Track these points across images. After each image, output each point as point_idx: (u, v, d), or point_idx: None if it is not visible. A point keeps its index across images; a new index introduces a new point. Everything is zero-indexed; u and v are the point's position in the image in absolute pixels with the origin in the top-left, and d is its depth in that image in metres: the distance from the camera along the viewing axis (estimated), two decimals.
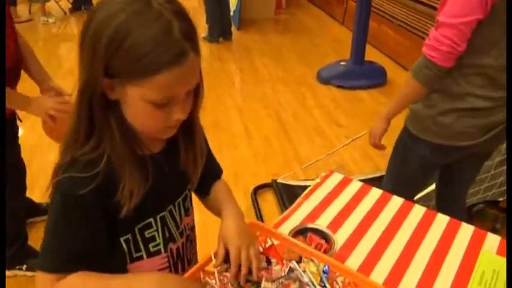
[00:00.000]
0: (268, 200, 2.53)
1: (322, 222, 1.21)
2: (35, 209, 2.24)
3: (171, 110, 0.79)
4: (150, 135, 0.86)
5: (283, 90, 4.05)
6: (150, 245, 0.92)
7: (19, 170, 1.93)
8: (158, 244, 0.93)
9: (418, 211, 1.30)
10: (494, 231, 2.14)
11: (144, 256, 0.91)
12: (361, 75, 4.10)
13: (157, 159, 0.88)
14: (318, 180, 1.44)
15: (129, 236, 0.88)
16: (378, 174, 2.66)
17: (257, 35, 5.62)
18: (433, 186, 2.18)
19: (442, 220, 1.27)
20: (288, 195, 2.39)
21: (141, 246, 0.90)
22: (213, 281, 0.93)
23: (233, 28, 5.56)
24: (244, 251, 0.92)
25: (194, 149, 0.95)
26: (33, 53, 1.77)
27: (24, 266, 1.93)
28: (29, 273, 1.93)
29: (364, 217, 1.27)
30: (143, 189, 0.82)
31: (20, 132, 1.90)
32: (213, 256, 0.95)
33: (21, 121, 1.83)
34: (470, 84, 1.40)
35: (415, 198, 2.06)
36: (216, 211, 1.06)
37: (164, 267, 0.96)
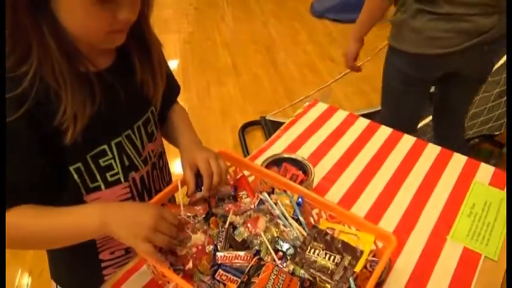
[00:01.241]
0: (257, 138, 2.43)
1: (303, 154, 1.11)
2: None
3: (117, 8, 0.65)
4: (93, 45, 0.72)
5: (275, 25, 3.83)
6: (108, 174, 0.81)
7: None
8: (117, 173, 0.82)
9: (407, 141, 1.20)
10: None
11: (102, 186, 0.81)
12: (356, 7, 3.84)
13: (105, 77, 0.75)
14: (300, 110, 1.32)
15: (79, 164, 0.77)
16: (371, 110, 2.54)
17: None
18: (427, 120, 2.07)
19: (433, 150, 1.17)
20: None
21: (97, 175, 0.80)
22: (179, 216, 0.84)
23: None
24: (213, 160, 0.84)
25: (152, 65, 0.82)
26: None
27: None
28: None
29: (348, 148, 1.17)
30: (90, 111, 0.71)
31: None
32: (179, 184, 0.86)
33: None
34: None
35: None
36: (173, 140, 0.96)
37: (127, 197, 0.86)
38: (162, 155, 0.97)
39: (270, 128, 2.37)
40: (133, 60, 0.80)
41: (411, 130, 1.57)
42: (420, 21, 1.36)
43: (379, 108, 2.37)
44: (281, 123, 2.39)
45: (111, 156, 0.80)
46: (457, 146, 1.67)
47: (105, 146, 0.79)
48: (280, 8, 4.17)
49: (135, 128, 0.85)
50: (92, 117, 0.71)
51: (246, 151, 2.25)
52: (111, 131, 0.80)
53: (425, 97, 1.64)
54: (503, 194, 1.04)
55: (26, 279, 1.73)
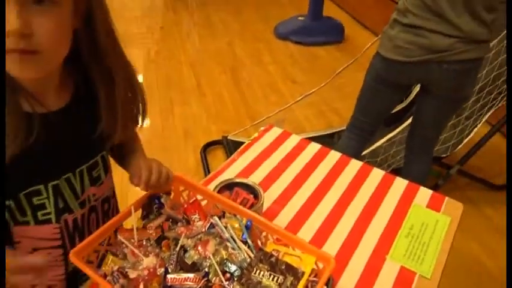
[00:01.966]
0: (218, 157, 2.48)
1: (255, 178, 1.17)
2: None
3: None
4: (41, 83, 0.69)
5: (240, 45, 3.92)
6: (39, 213, 0.79)
7: None
8: (49, 213, 0.80)
9: (354, 166, 1.28)
10: (437, 187, 2.19)
11: (31, 223, 0.79)
12: (318, 31, 4.01)
13: (51, 119, 0.72)
14: (256, 134, 1.39)
15: (10, 202, 0.74)
16: (330, 131, 2.65)
17: None
18: (381, 141, 2.19)
19: (377, 174, 1.25)
20: None
21: (28, 212, 0.77)
22: (132, 240, 0.87)
23: None
24: (156, 164, 0.89)
25: (115, 106, 0.78)
26: None
27: None
28: None
29: (299, 172, 1.23)
30: (18, 150, 0.66)
31: None
32: (132, 209, 0.90)
33: None
34: (409, 1, 1.52)
35: (363, 153, 2.06)
36: (125, 165, 0.98)
37: (55, 238, 0.84)
38: (109, 199, 0.95)
39: (232, 147, 2.42)
40: (97, 96, 0.77)
41: (376, 124, 1.88)
42: (394, 31, 1.60)
43: (338, 129, 2.49)
44: (242, 143, 2.47)
45: (45, 196, 0.78)
46: (418, 159, 1.81)
47: (41, 187, 0.77)
48: (245, 28, 4.27)
49: (77, 172, 0.82)
50: (27, 156, 0.68)
51: (207, 171, 2.29)
52: (50, 173, 0.78)
53: (392, 99, 1.82)
54: (438, 216, 1.13)
55: None
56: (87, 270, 0.80)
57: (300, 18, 4.15)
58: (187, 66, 3.50)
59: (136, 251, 0.85)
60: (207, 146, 2.51)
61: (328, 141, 2.31)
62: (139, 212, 0.93)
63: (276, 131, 1.40)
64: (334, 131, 2.63)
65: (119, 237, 0.87)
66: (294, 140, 1.36)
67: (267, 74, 3.47)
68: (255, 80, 3.36)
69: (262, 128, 1.41)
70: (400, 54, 1.59)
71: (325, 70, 3.39)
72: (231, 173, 1.22)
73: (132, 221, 0.90)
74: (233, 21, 4.41)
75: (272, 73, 3.48)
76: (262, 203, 1.01)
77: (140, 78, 3.26)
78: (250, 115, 2.90)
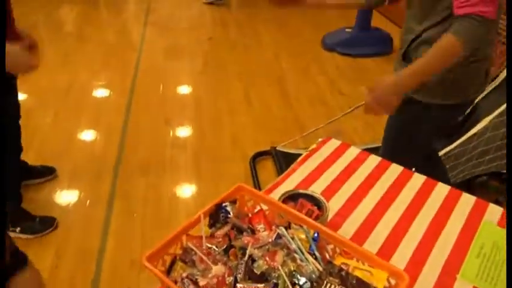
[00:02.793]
0: (267, 168, 2.48)
1: (316, 189, 1.16)
2: (29, 172, 2.20)
3: None
4: None
5: (286, 57, 3.94)
6: None
7: (15, 132, 1.89)
8: None
9: (417, 180, 1.24)
10: (497, 203, 2.08)
11: None
12: (366, 42, 3.96)
13: None
14: (314, 146, 1.38)
15: None
16: (378, 144, 2.59)
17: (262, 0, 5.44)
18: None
19: (442, 189, 1.21)
20: (287, 163, 2.32)
21: None
22: (197, 246, 0.88)
23: None
24: None
25: None
26: None
27: (18, 229, 1.91)
28: (22, 236, 1.91)
29: (360, 184, 1.21)
30: None
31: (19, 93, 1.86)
32: (202, 216, 0.91)
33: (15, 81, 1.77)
34: None
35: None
36: None
37: None
38: None
39: (281, 158, 2.42)
40: None
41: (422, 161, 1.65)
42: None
43: None
44: (291, 154, 2.48)
45: None
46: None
47: None
48: (292, 40, 4.29)
49: None
50: None
51: (256, 181, 2.29)
52: None
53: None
54: None
55: None
56: (160, 275, 0.81)
57: (347, 29, 4.12)
58: (234, 77, 3.54)
59: (205, 258, 0.86)
60: (256, 157, 2.52)
61: (378, 154, 2.26)
62: (207, 219, 0.94)
63: (334, 143, 1.39)
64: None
65: (189, 244, 0.88)
66: (353, 152, 1.34)
67: (314, 85, 3.46)
68: (302, 91, 3.35)
69: (320, 139, 1.40)
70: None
71: (373, 82, 3.33)
72: (290, 183, 1.21)
73: (200, 229, 0.91)
74: (280, 33, 4.44)
75: (319, 84, 3.46)
76: (328, 215, 1.00)
77: (189, 89, 3.34)
78: (298, 126, 2.89)
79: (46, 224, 1.96)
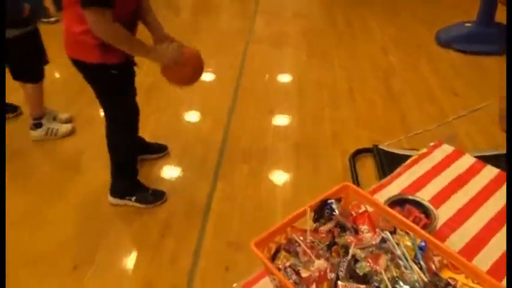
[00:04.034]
0: (366, 166, 2.43)
1: (424, 196, 1.12)
2: (146, 147, 2.43)
3: None
4: None
5: (396, 51, 3.78)
6: None
7: (134, 112, 2.09)
8: None
9: None
10: None
11: None
12: (488, 38, 3.63)
13: None
14: (424, 150, 1.33)
15: None
16: (495, 152, 2.38)
17: None
18: None
19: None
20: (389, 163, 2.26)
21: None
22: (301, 238, 0.92)
23: None
24: None
25: None
26: (150, 5, 1.89)
27: (133, 198, 2.13)
28: (137, 204, 2.13)
29: (473, 197, 1.15)
30: None
31: (138, 74, 2.04)
32: (308, 211, 0.94)
33: (137, 65, 1.96)
34: None
35: None
36: None
37: None
38: None
39: (383, 157, 2.35)
40: None
41: None
42: None
43: (504, 151, 2.22)
44: (394, 154, 2.39)
45: None
46: None
47: None
48: (403, 33, 4.10)
49: None
50: None
51: (355, 179, 2.26)
52: None
53: None
54: None
55: None
56: (266, 261, 0.87)
57: (466, 24, 3.81)
58: (339, 69, 3.50)
59: (308, 251, 0.89)
60: (356, 153, 2.48)
61: (493, 164, 2.09)
62: (312, 214, 0.97)
63: (446, 148, 1.33)
64: (500, 152, 2.36)
65: (293, 235, 0.92)
66: (467, 160, 1.27)
67: (424, 83, 3.28)
68: (409, 88, 3.20)
69: (431, 144, 1.35)
70: None
71: (494, 84, 3.07)
72: (396, 187, 1.19)
73: (305, 222, 0.94)
74: (389, 25, 4.27)
75: (430, 83, 3.27)
76: (436, 225, 0.97)
77: (293, 78, 3.38)
78: (403, 125, 2.77)
79: (157, 196, 2.16)
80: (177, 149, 2.55)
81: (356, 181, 2.22)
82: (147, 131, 2.55)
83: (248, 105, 3.03)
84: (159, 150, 2.48)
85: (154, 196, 2.16)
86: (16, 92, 2.86)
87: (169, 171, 2.40)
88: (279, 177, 2.37)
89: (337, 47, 3.89)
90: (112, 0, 1.53)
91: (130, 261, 1.87)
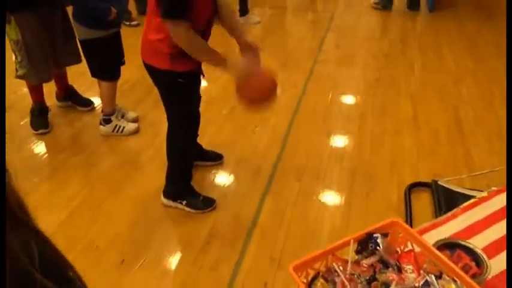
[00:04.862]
0: (422, 200, 2.33)
1: (477, 243, 1.06)
2: (203, 154, 2.51)
3: None
4: None
5: (469, 84, 3.61)
6: None
7: (195, 119, 2.17)
8: None
9: None
10: None
11: None
12: None
13: None
14: (485, 193, 1.26)
15: None
16: None
17: (451, 19, 5.05)
18: None
19: None
20: (447, 200, 2.15)
21: None
22: (341, 269, 0.91)
23: (425, 10, 5.15)
24: None
25: None
26: (232, 10, 1.94)
27: (184, 202, 2.20)
28: (187, 209, 2.19)
29: None
30: None
31: (203, 84, 2.12)
32: (352, 242, 0.93)
33: (204, 76, 2.03)
34: None
35: None
36: None
37: None
38: None
39: (441, 194, 2.24)
40: None
41: None
42: None
43: None
44: (454, 192, 2.28)
45: None
46: None
47: None
48: (479, 65, 3.91)
49: None
50: None
51: (409, 213, 2.17)
52: None
53: None
54: None
55: None
56: (302, 285, 0.87)
57: None
58: (406, 96, 3.40)
59: (346, 283, 0.88)
60: (413, 186, 2.39)
61: None
62: (355, 245, 0.95)
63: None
64: None
65: (334, 264, 0.91)
66: None
67: (497, 119, 3.09)
68: (480, 124, 3.04)
69: (494, 188, 1.28)
70: None
71: None
72: (449, 228, 1.14)
73: (347, 253, 0.93)
74: (466, 57, 4.08)
75: (503, 120, 3.08)
76: (487, 276, 0.92)
77: (357, 101, 3.33)
78: (467, 162, 2.64)
79: (207, 203, 2.22)
80: (232, 159, 2.60)
81: (409, 215, 2.14)
82: (205, 139, 2.63)
83: (307, 123, 3.03)
84: (214, 159, 2.54)
85: (205, 203, 2.21)
86: (93, 88, 3.07)
87: (222, 180, 2.46)
88: (330, 200, 2.35)
89: (407, 73, 3.79)
90: (187, 12, 1.62)
91: (173, 262, 1.94)
